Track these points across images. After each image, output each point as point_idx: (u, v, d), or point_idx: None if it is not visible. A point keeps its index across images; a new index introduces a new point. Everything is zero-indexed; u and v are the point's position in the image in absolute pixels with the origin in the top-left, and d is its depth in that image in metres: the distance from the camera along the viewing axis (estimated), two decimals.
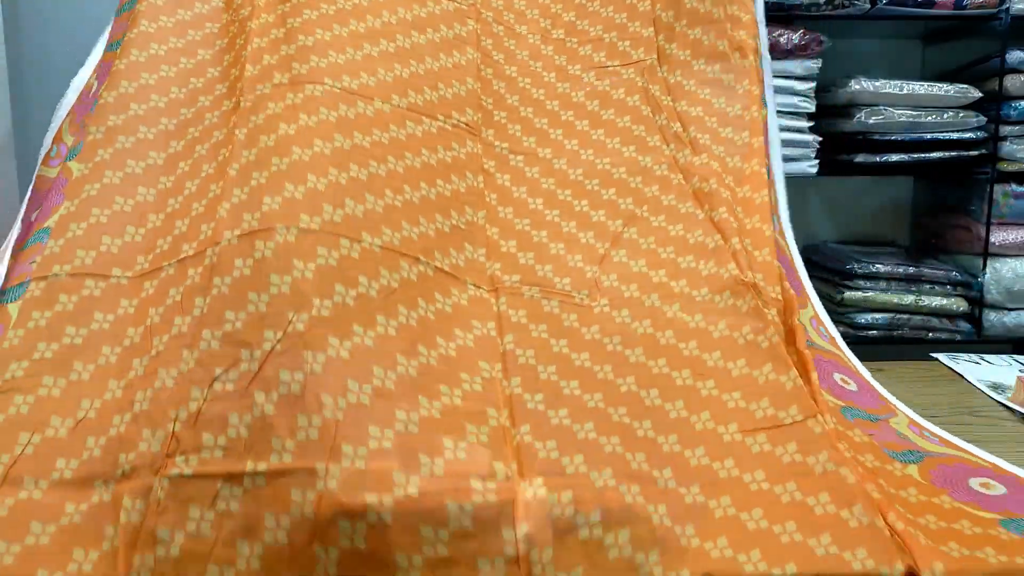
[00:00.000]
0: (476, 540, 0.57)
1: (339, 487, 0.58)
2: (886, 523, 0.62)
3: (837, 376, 0.88)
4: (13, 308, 0.74)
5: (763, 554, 0.61)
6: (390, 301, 0.73)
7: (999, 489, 0.72)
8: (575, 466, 0.66)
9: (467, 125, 0.97)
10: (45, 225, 0.81)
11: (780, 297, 0.84)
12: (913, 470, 0.76)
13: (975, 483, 0.73)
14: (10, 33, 1.44)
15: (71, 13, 1.53)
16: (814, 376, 0.78)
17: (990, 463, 0.78)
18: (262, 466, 0.60)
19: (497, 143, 0.98)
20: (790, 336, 0.82)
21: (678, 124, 1.03)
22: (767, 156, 1.02)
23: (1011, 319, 1.48)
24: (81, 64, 1.01)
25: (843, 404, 0.83)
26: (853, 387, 0.88)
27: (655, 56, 1.11)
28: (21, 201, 0.88)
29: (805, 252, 1.68)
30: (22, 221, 0.86)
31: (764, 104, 1.06)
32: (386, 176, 0.83)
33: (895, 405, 0.89)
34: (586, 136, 1.03)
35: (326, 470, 0.59)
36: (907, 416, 0.88)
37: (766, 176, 0.99)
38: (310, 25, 0.95)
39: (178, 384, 0.65)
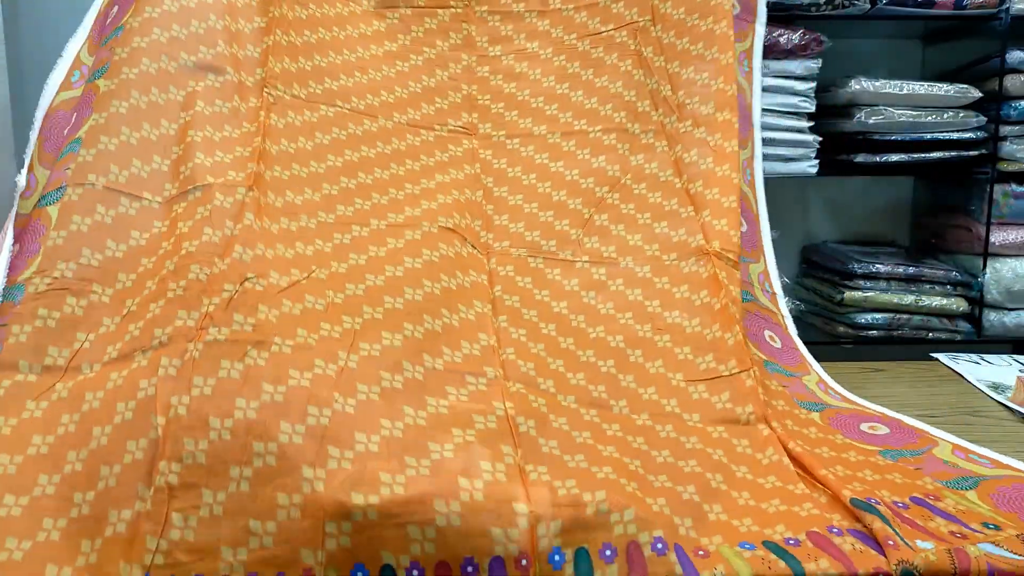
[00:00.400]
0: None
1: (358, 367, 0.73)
2: (788, 454, 0.79)
3: (767, 333, 1.00)
4: (52, 210, 0.82)
5: (699, 460, 0.78)
6: (397, 256, 0.89)
7: (883, 430, 0.88)
8: (547, 385, 0.83)
9: (463, 128, 1.09)
10: (77, 136, 0.88)
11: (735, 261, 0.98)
12: (815, 416, 0.91)
13: (865, 427, 0.89)
14: (10, 33, 1.44)
15: (71, 13, 1.53)
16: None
17: (880, 412, 0.93)
18: (288, 342, 0.72)
19: (494, 133, 1.10)
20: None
21: (668, 87, 1.11)
22: (741, 107, 1.10)
23: (1011, 319, 1.48)
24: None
25: (766, 359, 0.96)
26: (778, 344, 0.99)
27: (649, 16, 1.15)
28: None
29: (805, 252, 1.69)
30: (37, 144, 0.92)
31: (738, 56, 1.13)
32: (389, 179, 0.98)
33: (810, 365, 1.04)
34: (580, 106, 1.11)
35: (347, 356, 0.73)
36: (818, 375, 1.02)
37: (735, 124, 1.07)
38: (324, 47, 1.07)
39: (211, 280, 0.75)
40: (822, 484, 0.74)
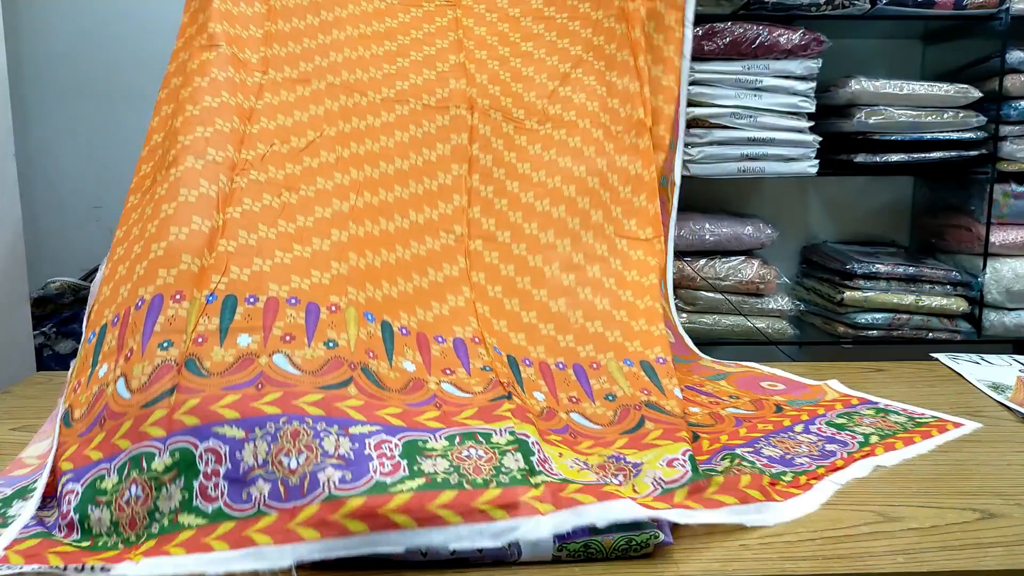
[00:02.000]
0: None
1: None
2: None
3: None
4: None
5: (610, 300, 1.06)
6: (389, 129, 1.09)
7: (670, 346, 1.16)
8: (504, 236, 1.08)
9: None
10: None
11: (664, 135, 1.17)
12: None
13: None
14: (10, 33, 1.44)
15: (71, 13, 1.53)
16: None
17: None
18: (311, 188, 0.95)
19: (475, 5, 1.25)
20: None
21: None
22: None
23: (1011, 319, 1.48)
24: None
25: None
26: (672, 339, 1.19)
27: None
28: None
29: (805, 252, 1.69)
30: None
31: None
32: (383, 55, 1.14)
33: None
34: None
35: (352, 202, 0.97)
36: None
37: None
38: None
39: (245, 137, 0.95)
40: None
